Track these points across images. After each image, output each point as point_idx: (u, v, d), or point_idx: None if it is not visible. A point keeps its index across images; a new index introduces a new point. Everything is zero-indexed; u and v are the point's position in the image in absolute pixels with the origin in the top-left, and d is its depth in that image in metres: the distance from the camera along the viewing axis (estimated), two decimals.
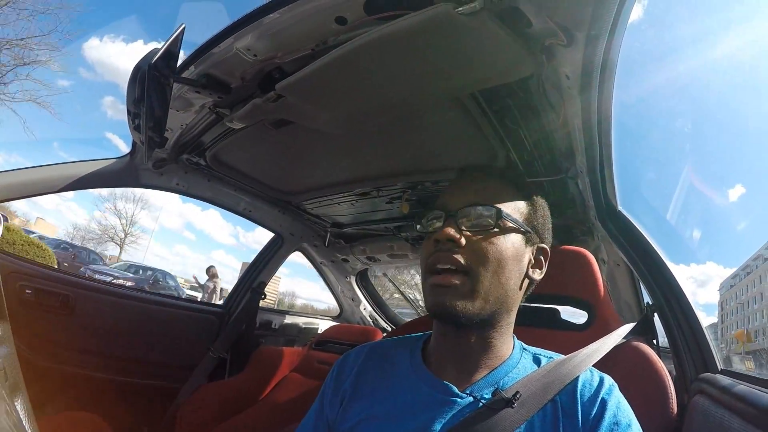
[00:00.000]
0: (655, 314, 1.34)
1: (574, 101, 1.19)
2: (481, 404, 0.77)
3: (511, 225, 0.83)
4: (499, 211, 0.82)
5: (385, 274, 3.58)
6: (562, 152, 1.49)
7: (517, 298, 0.84)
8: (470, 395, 0.78)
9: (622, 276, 1.70)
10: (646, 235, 1.41)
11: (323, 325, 3.39)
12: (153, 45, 1.33)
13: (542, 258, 0.90)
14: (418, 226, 0.89)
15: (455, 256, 0.78)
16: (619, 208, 1.49)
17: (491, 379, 0.81)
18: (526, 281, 0.86)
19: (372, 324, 3.56)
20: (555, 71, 1.13)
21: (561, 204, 1.78)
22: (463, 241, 0.79)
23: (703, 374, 1.10)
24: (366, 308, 3.57)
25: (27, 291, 2.06)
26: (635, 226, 1.44)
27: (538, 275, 0.88)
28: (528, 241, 0.86)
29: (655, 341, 1.32)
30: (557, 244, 1.84)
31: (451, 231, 0.79)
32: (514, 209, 0.85)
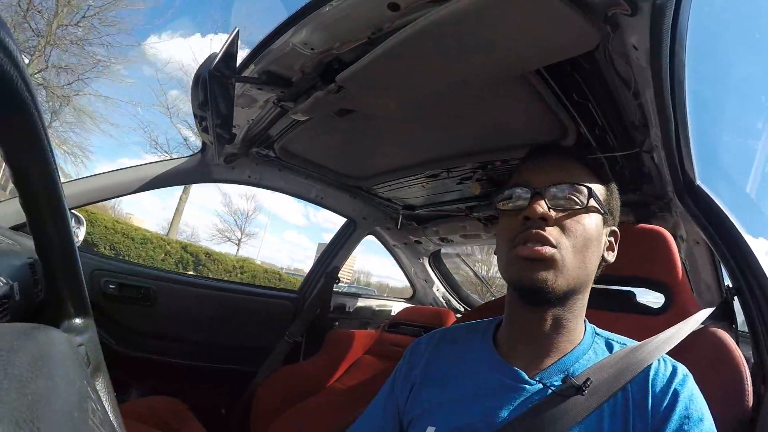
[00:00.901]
0: (735, 298, 1.26)
1: (645, 72, 1.12)
2: (550, 391, 0.76)
3: (595, 206, 0.83)
4: (590, 190, 0.82)
5: (458, 255, 3.54)
6: (636, 125, 1.42)
7: (591, 279, 0.85)
8: (540, 382, 0.78)
9: (701, 255, 1.61)
10: (726, 212, 1.31)
11: (396, 307, 3.41)
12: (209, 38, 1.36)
13: (614, 241, 0.91)
14: (500, 202, 0.87)
15: (544, 233, 0.77)
16: (698, 182, 1.39)
17: (562, 365, 0.80)
18: (602, 263, 0.87)
19: (445, 305, 3.54)
20: (622, 42, 1.07)
21: (637, 179, 1.71)
22: (553, 218, 0.79)
23: None
24: (439, 289, 3.54)
25: (111, 286, 2.19)
26: (715, 202, 1.34)
27: (611, 257, 0.89)
28: (605, 223, 0.87)
29: (734, 326, 1.25)
30: (634, 221, 1.77)
31: (543, 208, 0.78)
32: (595, 189, 0.84)
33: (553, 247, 0.77)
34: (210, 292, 2.56)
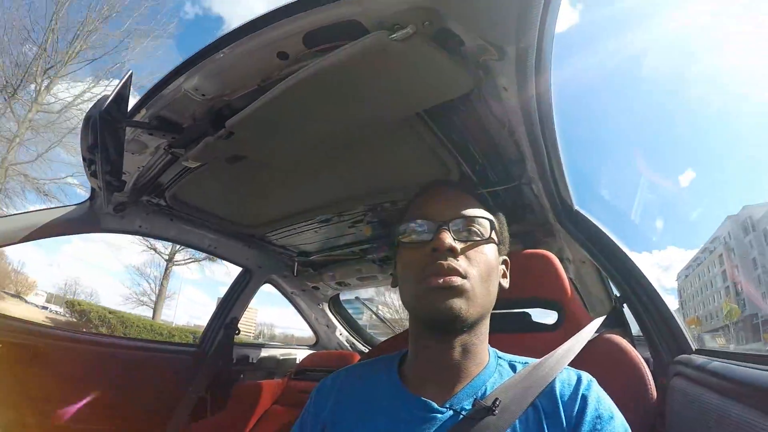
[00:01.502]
0: (624, 305, 1.39)
1: (516, 111, 1.24)
2: (461, 416, 0.77)
3: (494, 236, 0.88)
4: (492, 222, 0.87)
5: (357, 298, 3.60)
6: (513, 160, 1.53)
7: (493, 305, 0.88)
8: (450, 408, 0.79)
9: (588, 273, 1.75)
10: (604, 231, 1.45)
11: (301, 354, 3.37)
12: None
13: (505, 268, 0.96)
14: (402, 236, 0.89)
15: (454, 264, 0.80)
16: (576, 207, 1.54)
17: (470, 389, 0.81)
18: (498, 290, 0.90)
19: (350, 348, 3.57)
20: (493, 84, 1.18)
21: (519, 209, 1.83)
22: (458, 249, 0.82)
23: (679, 356, 1.13)
24: (342, 333, 3.57)
25: None
26: (593, 223, 1.49)
27: (506, 284, 0.94)
28: (499, 253, 0.92)
29: (629, 331, 1.39)
30: (521, 249, 1.89)
31: (450, 240, 0.81)
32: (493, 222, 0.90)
33: (463, 277, 0.79)
34: (105, 350, 2.43)
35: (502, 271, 0.93)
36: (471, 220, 0.86)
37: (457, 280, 0.78)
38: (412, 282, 0.83)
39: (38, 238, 1.91)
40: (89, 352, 2.36)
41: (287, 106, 1.32)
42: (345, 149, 1.65)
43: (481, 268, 0.82)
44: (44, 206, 2.00)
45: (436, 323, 0.81)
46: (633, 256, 1.39)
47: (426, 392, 0.83)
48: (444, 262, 0.79)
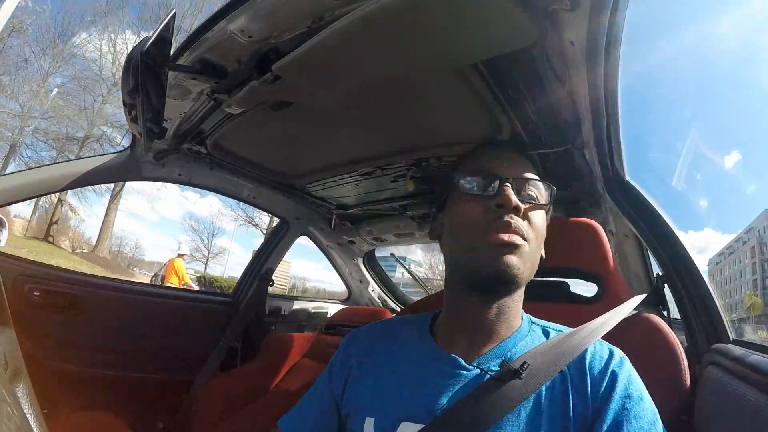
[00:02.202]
0: (666, 285, 1.33)
1: (580, 70, 1.16)
2: (488, 376, 0.77)
3: (548, 204, 0.87)
4: (552, 189, 0.87)
5: (392, 254, 3.57)
6: (568, 123, 1.47)
7: (535, 271, 0.86)
8: (477, 367, 0.79)
9: (630, 247, 1.69)
10: (654, 205, 1.39)
11: (333, 308, 3.39)
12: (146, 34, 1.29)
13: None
14: (461, 185, 0.86)
15: (519, 223, 0.80)
16: (627, 178, 1.48)
17: (499, 351, 0.82)
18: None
19: (381, 305, 3.56)
20: (559, 38, 1.10)
21: (568, 175, 1.77)
22: (523, 209, 0.81)
23: (715, 345, 1.09)
24: (374, 290, 3.56)
25: (35, 293, 2.06)
26: (643, 197, 1.43)
27: (543, 252, 0.91)
28: (546, 221, 0.90)
29: (666, 312, 1.32)
30: (564, 216, 1.83)
31: (516, 198, 0.80)
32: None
33: (524, 238, 0.79)
34: (140, 298, 2.46)
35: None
36: (533, 183, 0.86)
37: (519, 240, 0.78)
38: (470, 235, 0.82)
39: (80, 186, 1.92)
40: (125, 301, 2.39)
41: (337, 51, 1.25)
42: (394, 99, 1.59)
43: (538, 232, 0.83)
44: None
45: (489, 280, 0.80)
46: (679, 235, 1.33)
47: (455, 349, 0.83)
48: (511, 220, 0.79)
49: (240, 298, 2.86)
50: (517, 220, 0.79)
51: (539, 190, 0.86)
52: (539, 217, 0.84)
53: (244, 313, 2.76)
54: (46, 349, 2.09)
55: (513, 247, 0.77)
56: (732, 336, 1.12)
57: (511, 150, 0.94)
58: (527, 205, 0.82)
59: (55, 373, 2.09)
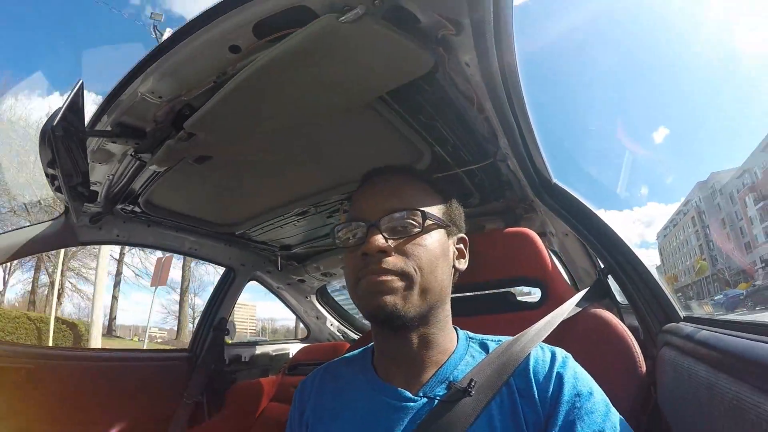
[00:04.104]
0: (609, 277, 1.37)
1: (481, 86, 1.19)
2: (436, 401, 0.77)
3: (434, 223, 0.84)
4: (423, 213, 0.82)
5: (344, 287, 3.58)
6: (486, 138, 1.51)
7: (448, 291, 0.87)
8: (424, 396, 0.78)
9: (573, 244, 1.74)
10: (584, 203, 1.43)
11: (293, 348, 3.38)
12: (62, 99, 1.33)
13: (463, 247, 0.93)
14: (336, 240, 0.87)
15: (387, 265, 0.78)
16: (555, 181, 1.51)
17: (442, 375, 0.81)
18: (454, 273, 0.89)
19: (342, 338, 3.57)
20: (456, 60, 1.14)
21: (498, 187, 1.81)
22: (392, 248, 0.79)
23: (667, 325, 1.11)
24: (333, 323, 3.58)
25: None
26: (572, 196, 1.47)
27: (463, 264, 0.92)
28: (450, 234, 0.88)
29: (615, 302, 1.37)
30: (503, 226, 1.85)
31: (380, 241, 0.78)
32: (432, 206, 0.87)
33: (396, 275, 0.77)
34: (97, 364, 2.40)
35: (456, 252, 0.91)
36: (405, 213, 0.82)
37: (391, 278, 0.77)
38: (350, 286, 0.84)
39: (18, 258, 1.89)
40: (82, 369, 2.32)
41: (244, 101, 1.30)
42: (313, 140, 1.62)
43: (420, 261, 0.79)
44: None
45: (378, 321, 0.81)
46: (615, 214, 1.41)
47: (397, 382, 0.83)
48: (374, 266, 0.78)
49: (198, 351, 2.83)
50: (384, 263, 0.78)
51: (415, 218, 0.82)
52: (421, 244, 0.81)
53: (203, 366, 2.72)
54: (5, 428, 2.00)
55: (385, 287, 0.77)
56: (682, 314, 1.14)
57: (390, 178, 0.91)
58: (399, 241, 0.80)
59: None
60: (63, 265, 19.79)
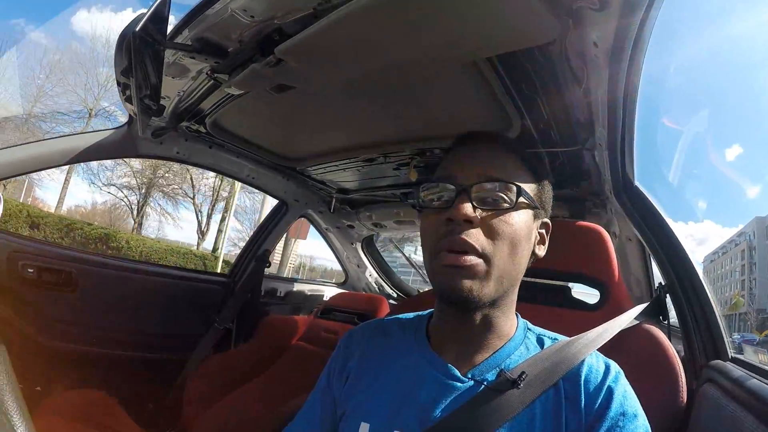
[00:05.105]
0: (667, 295, 1.30)
1: (600, 71, 1.11)
2: (483, 387, 0.74)
3: (525, 202, 0.78)
4: (519, 189, 0.76)
5: (391, 240, 3.53)
6: (581, 123, 1.44)
7: (521, 277, 0.82)
8: (471, 379, 0.76)
9: (633, 251, 1.67)
10: (661, 212, 1.35)
11: (329, 292, 3.37)
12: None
13: (545, 233, 0.87)
14: (420, 199, 0.81)
15: (470, 238, 0.72)
16: (636, 183, 1.44)
17: (494, 361, 0.78)
18: (532, 258, 0.83)
19: (378, 291, 3.54)
20: (581, 37, 1.06)
21: (576, 175, 1.75)
22: (479, 219, 0.74)
23: (714, 361, 1.06)
24: (372, 275, 3.54)
25: (29, 270, 2.04)
26: (651, 203, 1.39)
27: (542, 251, 0.86)
28: (536, 217, 0.82)
29: (666, 322, 1.29)
30: (568, 216, 1.84)
31: (468, 210, 0.73)
32: (526, 184, 0.80)
33: (478, 255, 0.72)
34: (135, 276, 2.43)
35: (539, 237, 0.84)
36: (499, 185, 0.76)
37: (469, 260, 0.72)
38: (428, 252, 0.78)
39: (76, 162, 1.89)
40: (121, 278, 2.37)
41: (344, 36, 1.20)
42: (401, 87, 1.54)
43: (503, 241, 0.74)
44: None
45: (450, 300, 0.76)
46: (669, 222, 1.31)
47: (449, 357, 0.80)
48: (458, 237, 0.72)
49: (236, 279, 2.84)
50: (468, 236, 0.72)
51: (509, 192, 0.76)
52: (508, 222, 0.75)
53: (239, 295, 2.74)
54: (38, 327, 2.08)
55: (464, 269, 0.72)
56: (731, 353, 1.09)
57: (487, 145, 0.85)
58: (488, 214, 0.75)
59: (48, 350, 2.09)
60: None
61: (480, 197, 0.75)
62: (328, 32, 1.16)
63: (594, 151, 1.52)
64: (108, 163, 21.03)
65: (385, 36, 1.19)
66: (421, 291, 2.58)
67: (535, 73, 1.30)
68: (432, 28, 1.13)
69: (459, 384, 0.76)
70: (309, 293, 3.33)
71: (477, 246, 0.72)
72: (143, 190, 23.65)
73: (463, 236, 0.72)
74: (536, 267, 0.86)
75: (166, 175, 23.13)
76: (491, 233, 0.74)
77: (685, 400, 1.00)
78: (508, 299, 0.80)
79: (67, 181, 22.71)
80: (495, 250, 0.73)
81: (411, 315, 0.95)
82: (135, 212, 24.04)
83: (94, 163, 19.73)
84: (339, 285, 3.64)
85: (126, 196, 24.04)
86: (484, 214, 0.74)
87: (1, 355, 0.72)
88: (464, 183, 0.76)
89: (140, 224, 23.95)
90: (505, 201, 0.76)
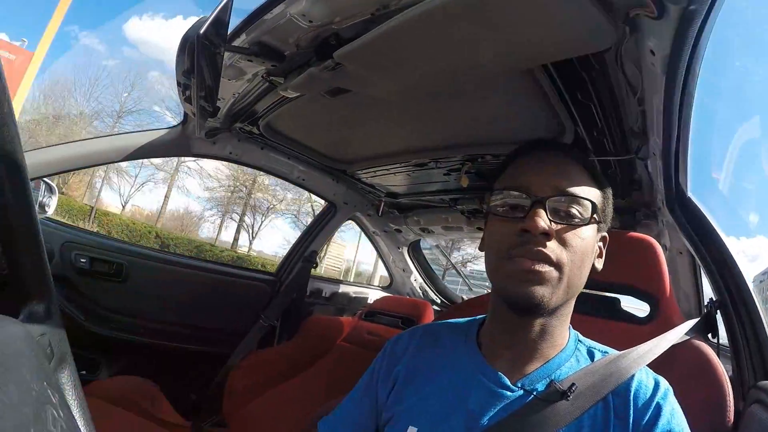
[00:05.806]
0: (718, 312, 1.24)
1: (656, 79, 1.09)
2: (532, 397, 0.74)
3: (596, 218, 0.79)
4: (594, 205, 0.78)
5: (437, 246, 3.50)
6: (635, 132, 1.41)
7: (580, 289, 0.81)
8: (521, 388, 0.76)
9: (683, 265, 1.61)
10: (715, 226, 1.29)
11: (373, 294, 3.38)
12: (193, 20, 1.27)
13: (602, 246, 0.87)
14: (492, 203, 0.81)
15: (545, 249, 0.72)
16: (689, 194, 1.38)
17: (545, 371, 0.78)
18: (592, 271, 0.83)
19: (422, 296, 3.52)
20: (637, 45, 1.05)
21: (627, 185, 1.70)
22: (554, 232, 0.74)
23: (762, 382, 1.01)
24: (417, 279, 3.52)
25: (82, 260, 2.13)
26: (705, 216, 1.32)
27: (600, 264, 0.86)
28: (599, 231, 0.83)
29: (716, 340, 1.23)
30: (619, 227, 1.78)
31: (545, 223, 0.73)
32: (595, 199, 0.80)
33: (552, 265, 0.73)
34: (184, 270, 2.50)
35: (598, 250, 0.84)
36: (573, 198, 0.77)
37: (544, 267, 0.72)
38: (496, 257, 0.78)
39: (130, 159, 1.94)
40: (170, 272, 2.43)
41: (402, 42, 1.19)
42: (455, 93, 1.53)
43: (575, 254, 0.75)
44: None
45: (516, 305, 0.76)
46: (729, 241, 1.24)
47: (500, 365, 0.80)
48: (534, 248, 0.72)
49: (283, 278, 2.88)
50: (544, 248, 0.73)
51: (582, 207, 0.77)
52: (579, 236, 0.76)
53: (285, 293, 2.77)
54: (88, 314, 2.15)
55: (538, 276, 0.72)
56: None
57: (557, 155, 0.84)
58: (561, 227, 0.75)
59: (95, 337, 2.16)
60: None
61: (553, 209, 0.75)
62: (387, 38, 1.16)
63: (647, 161, 1.49)
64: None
65: (443, 43, 1.18)
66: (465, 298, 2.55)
67: (590, 81, 1.28)
68: (489, 36, 1.12)
69: (509, 393, 0.75)
70: (354, 295, 3.34)
71: (553, 257, 0.73)
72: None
73: (540, 248, 0.72)
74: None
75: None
76: (564, 244, 0.74)
77: (732, 421, 0.96)
78: (566, 309, 0.81)
79: (166, 197, 24.15)
80: (568, 262, 0.74)
81: (462, 320, 0.95)
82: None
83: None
84: (384, 288, 3.64)
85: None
86: (558, 227, 0.74)
87: (71, 369, 0.72)
88: (540, 195, 0.76)
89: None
90: (578, 216, 0.76)
